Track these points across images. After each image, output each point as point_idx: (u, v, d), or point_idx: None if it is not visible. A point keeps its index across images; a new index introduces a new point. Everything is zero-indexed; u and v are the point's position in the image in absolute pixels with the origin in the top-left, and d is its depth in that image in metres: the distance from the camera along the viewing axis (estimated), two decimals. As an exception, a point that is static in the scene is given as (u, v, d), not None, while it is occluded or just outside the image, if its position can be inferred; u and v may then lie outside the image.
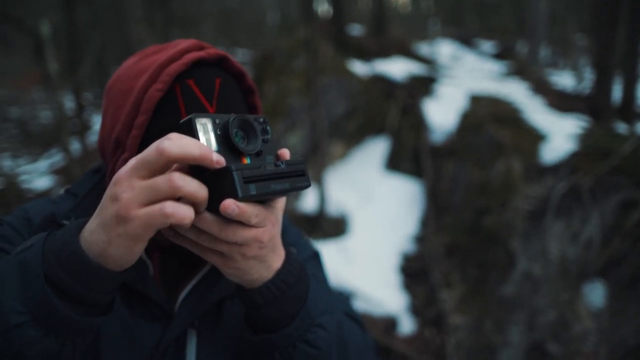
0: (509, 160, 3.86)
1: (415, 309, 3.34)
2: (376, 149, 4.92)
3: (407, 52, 6.67)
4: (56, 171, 9.07)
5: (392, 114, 5.02)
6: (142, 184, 0.55)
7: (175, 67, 0.76)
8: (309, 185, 0.68)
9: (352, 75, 5.05)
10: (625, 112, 5.53)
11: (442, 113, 4.99)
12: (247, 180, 0.59)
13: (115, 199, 0.55)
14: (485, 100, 4.95)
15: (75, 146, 9.10)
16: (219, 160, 0.57)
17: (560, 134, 4.12)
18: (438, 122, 4.87)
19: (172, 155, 0.54)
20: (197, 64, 0.79)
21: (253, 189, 0.60)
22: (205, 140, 0.62)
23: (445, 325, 3.24)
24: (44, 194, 7.67)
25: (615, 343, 2.91)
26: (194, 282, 0.85)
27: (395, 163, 4.69)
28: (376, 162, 4.78)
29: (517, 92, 5.82)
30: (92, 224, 0.58)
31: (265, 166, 0.62)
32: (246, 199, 0.60)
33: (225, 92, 0.80)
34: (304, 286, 0.75)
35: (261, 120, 0.71)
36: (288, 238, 0.99)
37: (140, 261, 0.82)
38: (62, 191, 0.94)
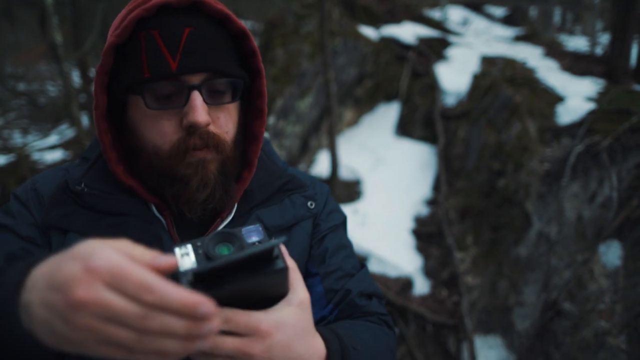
0: (524, 122, 3.79)
1: (430, 271, 3.35)
2: (387, 115, 4.85)
3: (417, 18, 6.50)
4: (66, 144, 9.12)
5: (403, 78, 4.93)
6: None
7: (137, 12, 0.71)
8: (283, 269, 0.57)
9: (362, 39, 4.94)
10: (641, 74, 5.40)
11: (454, 76, 4.89)
12: (200, 280, 0.49)
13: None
14: (499, 62, 4.84)
15: (84, 121, 9.11)
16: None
17: (576, 95, 4.03)
18: (450, 85, 4.79)
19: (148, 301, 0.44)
20: (165, 10, 0.73)
21: (200, 288, 0.51)
22: (189, 265, 0.54)
23: (460, 286, 3.25)
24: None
25: (630, 301, 2.91)
26: (218, 231, 0.85)
27: (406, 128, 4.63)
28: (388, 128, 4.73)
29: (530, 56, 5.68)
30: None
31: (219, 258, 0.53)
32: (226, 291, 0.53)
33: (195, 43, 0.73)
34: None
35: (252, 228, 0.62)
36: (330, 205, 1.01)
37: (153, 218, 0.81)
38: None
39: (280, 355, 0.61)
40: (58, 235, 0.89)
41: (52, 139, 10.41)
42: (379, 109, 4.97)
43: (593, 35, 8.60)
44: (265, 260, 0.57)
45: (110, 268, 0.43)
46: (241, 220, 0.86)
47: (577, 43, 8.37)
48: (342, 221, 1.02)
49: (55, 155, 8.65)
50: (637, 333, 2.78)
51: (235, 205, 0.86)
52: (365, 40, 5.02)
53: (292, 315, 0.62)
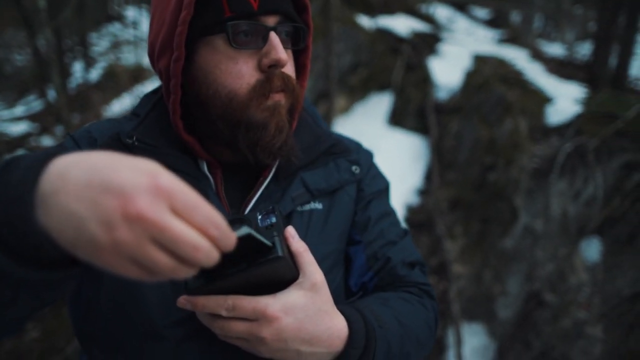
0: (516, 120, 3.91)
1: (421, 258, 3.43)
2: (380, 104, 4.90)
3: (411, 11, 6.57)
4: (33, 117, 8.73)
5: (397, 69, 4.97)
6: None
7: None
8: (278, 258, 0.58)
9: (359, 28, 4.96)
10: (619, 82, 5.67)
11: (447, 71, 4.98)
12: (205, 270, 0.48)
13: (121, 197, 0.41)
14: (491, 61, 4.97)
15: (51, 93, 8.72)
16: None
17: (564, 97, 4.19)
18: (443, 80, 4.87)
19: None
20: None
21: (202, 280, 0.55)
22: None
23: (448, 273, 3.35)
24: (21, 139, 7.39)
25: (608, 294, 3.07)
26: (255, 197, 0.84)
27: (399, 119, 4.69)
28: (380, 117, 4.78)
29: (517, 57, 5.85)
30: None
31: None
32: (197, 292, 0.56)
33: None
34: None
35: (270, 208, 0.65)
36: (374, 170, 1.00)
37: (202, 176, 0.81)
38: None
39: (292, 337, 0.62)
40: None
41: (18, 110, 9.94)
42: (371, 98, 5.01)
43: (571, 43, 8.91)
44: (258, 251, 0.57)
45: (181, 193, 0.42)
46: (286, 182, 0.85)
47: (555, 50, 8.66)
48: (386, 187, 1.00)
49: (21, 128, 8.28)
50: (613, 323, 2.95)
51: (275, 164, 0.85)
52: (362, 29, 5.04)
53: (302, 298, 0.63)
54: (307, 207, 0.85)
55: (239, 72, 0.75)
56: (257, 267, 0.57)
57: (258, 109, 0.76)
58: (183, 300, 0.61)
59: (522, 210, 3.56)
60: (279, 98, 0.78)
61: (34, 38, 8.07)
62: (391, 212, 0.98)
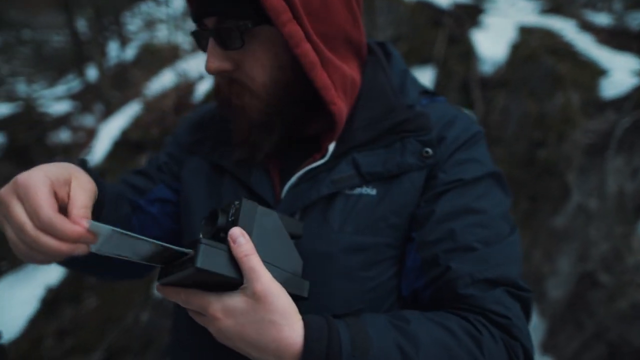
0: (567, 93, 3.74)
1: (467, 236, 3.36)
2: (422, 79, 4.74)
3: (450, -19, 6.31)
4: (74, 96, 8.93)
5: (439, 42, 4.82)
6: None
7: None
8: (194, 268, 0.59)
9: (399, 1, 4.81)
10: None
11: (491, 43, 4.78)
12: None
13: None
14: (537, 32, 4.73)
15: (91, 73, 8.89)
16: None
17: (620, 69, 3.96)
18: (487, 53, 4.69)
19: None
20: None
21: (172, 273, 0.61)
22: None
23: (496, 252, 3.27)
24: (63, 118, 7.58)
25: (668, 275, 2.94)
26: (299, 173, 0.82)
27: (441, 93, 4.54)
28: (421, 93, 4.65)
29: (565, 28, 5.56)
30: None
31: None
32: (163, 282, 0.64)
33: None
34: None
35: (236, 203, 0.67)
36: (465, 153, 0.83)
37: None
38: None
39: (237, 339, 0.62)
40: (188, 157, 1.00)
41: (59, 89, 10.20)
42: (412, 72, 4.87)
43: (620, 13, 8.42)
44: (178, 258, 0.61)
45: (23, 187, 0.57)
46: (336, 161, 0.80)
47: (603, 19, 8.20)
48: (479, 176, 0.81)
49: (62, 107, 8.47)
50: (673, 306, 2.82)
51: (331, 146, 0.81)
52: (402, 1, 4.89)
53: (243, 304, 0.61)
54: (357, 190, 0.78)
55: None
56: (180, 272, 0.61)
57: (228, 109, 0.82)
58: (157, 287, 0.67)
59: (575, 188, 3.43)
60: (235, 101, 0.80)
61: (72, 19, 8.19)
62: (479, 210, 0.77)
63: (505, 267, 0.73)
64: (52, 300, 2.76)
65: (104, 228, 0.53)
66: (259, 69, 0.75)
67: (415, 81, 0.95)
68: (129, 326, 2.46)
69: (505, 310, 0.69)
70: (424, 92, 0.94)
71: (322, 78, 0.74)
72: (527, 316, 0.75)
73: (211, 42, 0.73)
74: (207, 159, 0.93)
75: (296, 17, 0.68)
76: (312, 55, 0.72)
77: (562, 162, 3.50)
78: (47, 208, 0.54)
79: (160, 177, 0.99)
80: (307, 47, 0.71)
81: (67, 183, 0.60)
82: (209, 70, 0.73)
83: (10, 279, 2.93)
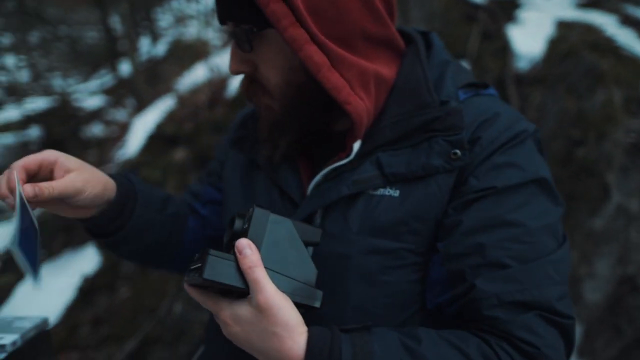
0: (609, 91, 3.61)
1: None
2: (454, 75, 4.68)
3: (485, -25, 6.17)
4: (107, 91, 9.13)
5: (473, 38, 4.72)
6: None
7: None
8: (201, 280, 0.62)
9: (433, -6, 4.73)
10: None
11: (527, 39, 4.66)
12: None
13: None
14: (576, 27, 4.58)
15: (124, 68, 9.07)
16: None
17: (665, 66, 3.80)
18: (523, 49, 4.57)
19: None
20: None
21: (189, 276, 0.66)
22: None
23: (531, 253, 3.19)
24: (96, 112, 7.76)
25: None
26: (324, 172, 0.80)
27: (475, 90, 4.47)
28: (454, 89, 4.58)
29: (605, 23, 5.37)
30: None
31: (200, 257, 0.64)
32: (188, 283, 0.68)
33: None
34: None
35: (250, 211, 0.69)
36: (503, 156, 0.75)
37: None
38: None
39: (245, 345, 0.65)
40: (231, 153, 1.04)
41: (92, 84, 10.43)
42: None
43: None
44: (197, 267, 0.64)
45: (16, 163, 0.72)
46: (360, 161, 0.78)
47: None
48: (518, 183, 0.72)
49: (95, 102, 8.66)
50: None
51: (356, 145, 0.77)
52: (436, -4, 4.80)
53: (249, 314, 0.63)
54: (380, 191, 0.75)
55: None
56: (193, 279, 0.65)
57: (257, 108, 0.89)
58: (185, 286, 0.71)
59: (615, 189, 3.31)
60: (257, 100, 0.84)
61: (106, 15, 8.37)
62: (514, 222, 0.69)
63: (543, 288, 0.65)
64: (88, 289, 2.84)
65: None
66: (272, 71, 0.76)
67: (458, 74, 0.85)
68: (162, 317, 2.50)
69: (535, 338, 0.62)
70: (470, 84, 0.85)
71: (331, 79, 0.72)
72: (567, 345, 0.66)
73: (233, 45, 0.78)
74: (246, 156, 0.96)
75: (299, 20, 0.68)
76: (318, 57, 0.70)
77: (602, 162, 3.38)
78: (9, 170, 0.70)
79: (209, 180, 1.08)
80: (312, 49, 0.70)
81: (65, 170, 0.75)
82: (230, 71, 0.79)
83: (49, 267, 3.03)
